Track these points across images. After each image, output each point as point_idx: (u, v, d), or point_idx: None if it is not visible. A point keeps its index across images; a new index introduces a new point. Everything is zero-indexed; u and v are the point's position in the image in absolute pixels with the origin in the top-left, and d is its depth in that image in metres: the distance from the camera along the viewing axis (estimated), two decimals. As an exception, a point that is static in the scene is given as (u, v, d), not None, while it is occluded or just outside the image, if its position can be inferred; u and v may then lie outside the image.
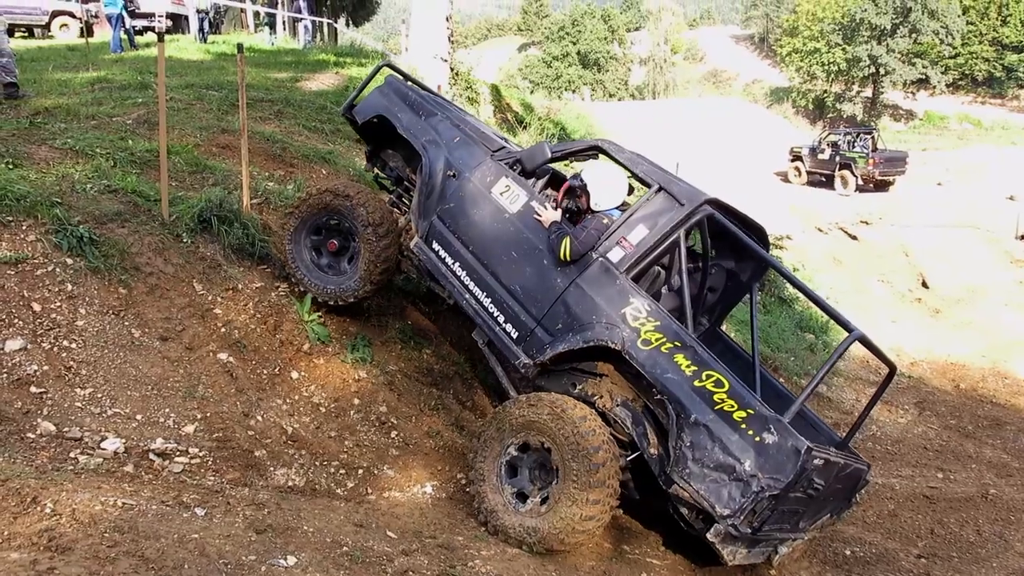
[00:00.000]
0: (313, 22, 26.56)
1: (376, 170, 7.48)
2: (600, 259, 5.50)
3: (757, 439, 4.78)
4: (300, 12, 24.60)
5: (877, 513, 7.71)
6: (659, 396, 5.13)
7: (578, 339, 5.40)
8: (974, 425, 10.99)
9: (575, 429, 5.07)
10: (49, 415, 4.99)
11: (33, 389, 5.09)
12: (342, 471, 5.66)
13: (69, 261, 5.93)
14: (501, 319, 5.81)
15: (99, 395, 5.29)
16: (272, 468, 5.38)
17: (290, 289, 6.89)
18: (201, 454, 5.17)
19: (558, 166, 6.53)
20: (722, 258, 6.48)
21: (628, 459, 5.40)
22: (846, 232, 23.29)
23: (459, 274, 6.04)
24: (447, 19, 14.30)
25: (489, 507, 5.32)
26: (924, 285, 18.55)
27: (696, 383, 5.00)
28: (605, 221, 5.64)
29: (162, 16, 27.96)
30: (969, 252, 20.40)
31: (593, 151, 6.22)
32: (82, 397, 5.22)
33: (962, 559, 6.94)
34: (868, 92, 65.83)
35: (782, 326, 13.12)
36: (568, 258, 5.49)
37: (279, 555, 4.00)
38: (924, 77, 62.77)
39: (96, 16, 23.56)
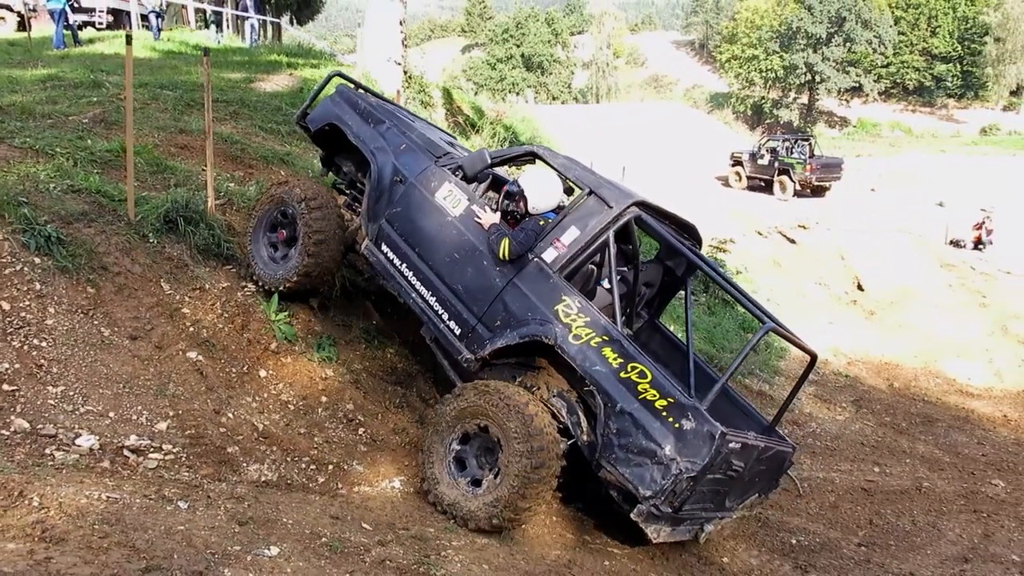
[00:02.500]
0: (259, 20, 26.39)
1: (332, 175, 7.70)
2: (535, 259, 5.80)
3: (676, 425, 5.10)
4: (247, 11, 24.44)
5: (819, 505, 8.09)
6: (589, 387, 5.43)
7: (515, 335, 5.72)
8: (907, 422, 11.45)
9: (501, 395, 5.45)
10: (23, 412, 5.04)
11: (5, 387, 5.14)
12: (313, 467, 5.79)
13: (37, 260, 5.97)
14: (445, 317, 6.10)
15: (71, 393, 5.34)
16: (245, 464, 5.50)
17: (256, 289, 6.99)
18: (175, 450, 5.26)
19: (500, 171, 6.79)
20: (658, 255, 6.88)
21: (565, 445, 5.60)
22: (785, 236, 23.83)
23: (406, 274, 6.34)
24: (400, 23, 14.41)
25: (451, 502, 5.54)
26: (859, 288, 19.11)
27: (622, 375, 5.32)
28: (541, 223, 5.94)
29: (103, 11, 27.61)
30: (901, 256, 21.04)
31: (529, 157, 6.50)
32: (54, 395, 5.27)
33: (899, 547, 7.33)
34: (804, 99, 67.58)
35: (726, 327, 13.52)
36: (507, 257, 5.78)
37: (262, 546, 4.15)
38: (858, 85, 64.68)
39: (34, 10, 23.08)
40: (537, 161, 6.44)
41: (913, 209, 27.67)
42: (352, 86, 7.61)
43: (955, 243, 23.24)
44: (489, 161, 6.31)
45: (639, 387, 5.25)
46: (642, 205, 5.92)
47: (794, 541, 7.12)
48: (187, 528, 4.07)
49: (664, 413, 5.16)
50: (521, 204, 6.14)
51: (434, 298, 6.16)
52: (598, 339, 5.45)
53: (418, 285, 6.26)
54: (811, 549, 7.05)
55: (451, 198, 6.25)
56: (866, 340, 15.97)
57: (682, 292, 7.01)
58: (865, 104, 67.95)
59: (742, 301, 6.01)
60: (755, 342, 5.43)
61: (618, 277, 5.94)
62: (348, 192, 7.45)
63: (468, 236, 6.08)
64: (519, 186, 6.15)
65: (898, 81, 67.62)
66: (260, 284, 6.97)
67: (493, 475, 5.51)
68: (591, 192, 5.86)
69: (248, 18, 24.34)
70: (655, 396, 5.20)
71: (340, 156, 7.52)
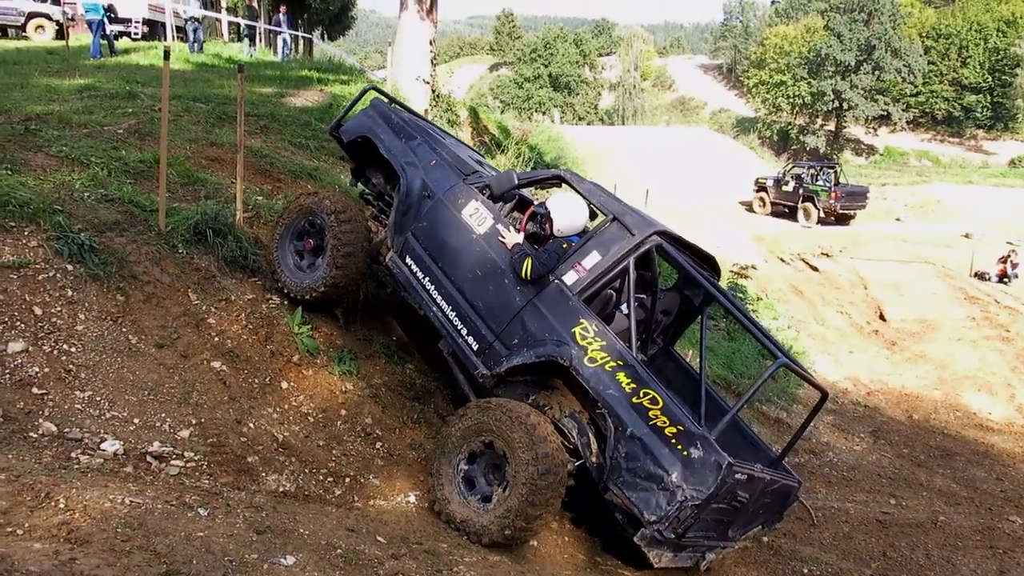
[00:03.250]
0: (291, 35, 26.75)
1: (361, 186, 7.86)
2: (556, 281, 5.89)
3: (684, 453, 5.18)
4: (279, 26, 24.81)
5: (833, 535, 8.08)
6: (601, 410, 5.51)
7: (531, 354, 5.81)
8: (926, 455, 11.39)
9: (504, 409, 5.57)
10: (50, 416, 5.16)
11: (35, 390, 5.27)
12: (330, 479, 5.88)
13: (69, 267, 6.11)
14: (464, 331, 6.21)
15: (98, 398, 5.47)
16: (264, 473, 5.59)
17: (280, 301, 7.12)
18: (196, 458, 5.37)
19: (526, 192, 6.94)
20: (676, 284, 6.98)
21: (574, 466, 5.70)
22: (807, 263, 23.82)
23: (428, 288, 6.45)
24: (430, 42, 14.60)
25: (463, 519, 5.60)
26: (881, 317, 19.03)
27: (634, 399, 5.40)
28: (564, 246, 6.04)
29: (139, 22, 28.11)
30: (924, 287, 20.97)
31: (556, 180, 6.64)
32: (81, 399, 5.40)
33: (911, 579, 7.33)
34: (831, 126, 67.41)
35: (745, 352, 13.52)
36: (529, 276, 5.88)
37: (279, 554, 4.23)
38: (886, 113, 64.40)
39: (72, 19, 23.55)
40: (563, 185, 6.55)
41: (939, 239, 27.52)
42: (387, 101, 7.78)
43: (980, 275, 23.09)
44: (517, 182, 6.43)
45: (650, 413, 5.33)
46: (663, 234, 6.04)
47: (806, 571, 7.12)
48: (206, 534, 4.16)
49: (673, 440, 5.23)
50: (547, 226, 6.25)
51: (454, 313, 6.27)
52: (612, 363, 5.53)
53: (439, 299, 6.36)
54: (822, 579, 7.06)
55: (477, 216, 6.37)
56: (886, 371, 15.92)
57: (699, 321, 7.04)
58: (893, 133, 67.70)
59: (756, 334, 6.02)
60: (766, 377, 5.47)
61: (636, 304, 6.00)
62: (375, 204, 7.59)
63: (491, 254, 6.19)
64: (546, 208, 6.28)
65: (927, 111, 67.36)
66: (286, 292, 7.07)
67: (502, 489, 5.57)
68: (614, 219, 5.97)
69: (280, 33, 24.71)
70: (665, 423, 5.28)
71: (370, 169, 7.66)
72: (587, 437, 5.71)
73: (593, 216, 6.51)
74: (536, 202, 6.64)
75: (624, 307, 6.17)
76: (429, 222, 6.56)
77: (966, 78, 65.28)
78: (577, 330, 5.69)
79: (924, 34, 66.11)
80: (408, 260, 6.62)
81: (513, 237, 6.14)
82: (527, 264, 5.87)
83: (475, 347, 6.13)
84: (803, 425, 6.46)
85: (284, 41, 24.83)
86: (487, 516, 5.52)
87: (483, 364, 6.06)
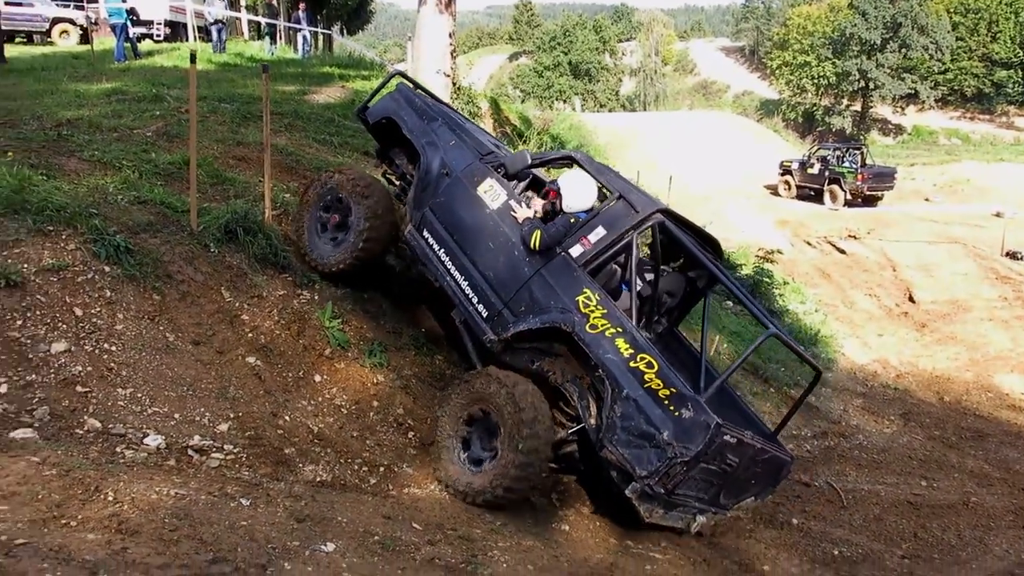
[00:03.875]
0: (311, 32, 26.93)
1: (385, 166, 8.23)
2: (563, 254, 6.24)
3: (676, 413, 5.49)
4: (299, 23, 24.99)
5: (863, 517, 8.12)
6: (599, 373, 5.82)
7: (536, 320, 6.18)
8: (957, 436, 11.35)
9: (490, 375, 6.09)
10: (95, 413, 5.33)
11: (79, 388, 5.43)
12: (365, 468, 6.03)
13: (107, 269, 6.27)
14: (475, 300, 6.60)
15: (139, 395, 5.63)
16: (301, 464, 5.74)
17: (311, 297, 7.27)
18: (235, 451, 5.52)
19: (540, 174, 7.27)
20: (680, 266, 7.26)
21: (573, 431, 6.17)
22: (834, 246, 23.67)
23: (443, 259, 6.85)
24: (450, 35, 14.67)
25: (458, 481, 6.02)
26: (911, 299, 18.89)
27: (631, 364, 5.71)
28: (572, 221, 6.34)
29: (160, 24, 28.42)
30: (955, 267, 20.76)
31: (567, 161, 6.97)
32: (123, 396, 5.56)
33: (943, 561, 7.35)
34: (857, 106, 66.58)
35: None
36: (537, 247, 6.25)
37: (319, 541, 4.37)
38: (913, 92, 63.40)
39: (96, 24, 23.88)
40: (574, 165, 6.81)
41: (969, 219, 27.22)
42: (412, 86, 8.13)
43: (1011, 255, 22.78)
44: (529, 161, 6.81)
45: (645, 376, 5.65)
46: (666, 212, 6.37)
47: (836, 552, 7.17)
48: (249, 524, 4.31)
49: (666, 402, 5.55)
50: (557, 202, 6.57)
51: (466, 282, 6.66)
52: (612, 330, 5.84)
53: (453, 270, 6.76)
54: (853, 560, 7.10)
55: (491, 192, 6.73)
56: (916, 353, 15.82)
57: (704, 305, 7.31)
58: (921, 111, 66.75)
59: (750, 306, 6.32)
60: (756, 346, 5.91)
61: (639, 280, 6.40)
62: (397, 184, 7.99)
63: (503, 228, 6.55)
64: (557, 185, 6.61)
65: (956, 88, 66.31)
66: (312, 266, 7.44)
67: (494, 453, 5.97)
68: (620, 196, 6.31)
69: (300, 30, 24.89)
70: (659, 385, 5.60)
71: (393, 150, 8.05)
72: (587, 401, 6.02)
73: (602, 197, 6.76)
74: (549, 181, 6.99)
75: (626, 283, 6.48)
76: (446, 198, 6.93)
77: (996, 53, 64.13)
78: (580, 299, 6.01)
79: (952, 9, 65.00)
80: (425, 233, 6.99)
81: (524, 212, 6.51)
82: (536, 235, 6.23)
83: (485, 314, 6.51)
84: (797, 402, 6.78)
85: (304, 38, 25.02)
86: (480, 479, 5.91)
87: (491, 330, 6.44)
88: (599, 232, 6.20)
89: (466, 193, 6.83)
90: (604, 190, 6.62)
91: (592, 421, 5.93)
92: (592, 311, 5.92)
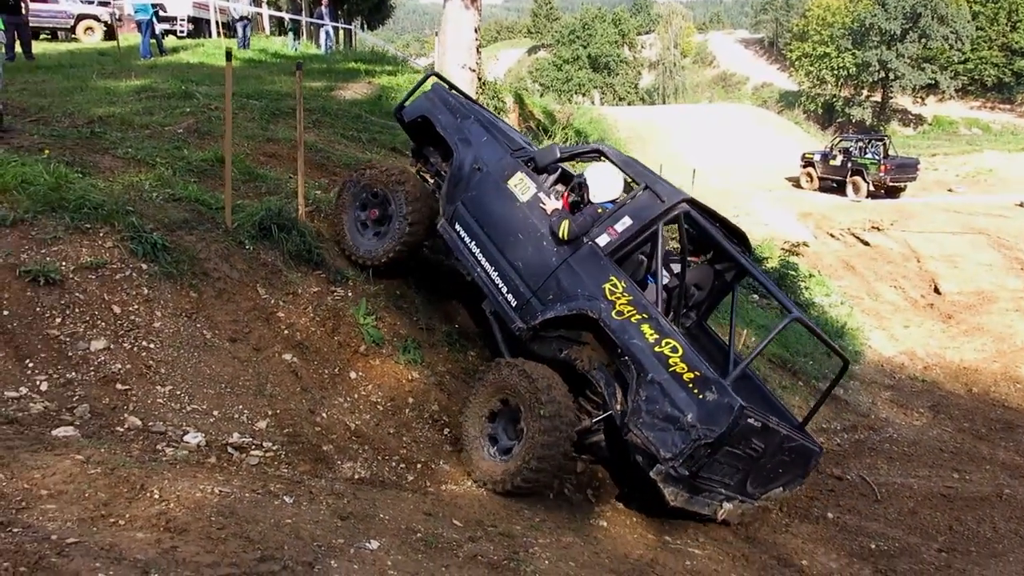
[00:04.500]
0: (334, 28, 26.97)
1: (420, 164, 8.36)
2: (590, 243, 6.36)
3: (700, 396, 5.56)
4: (322, 19, 25.04)
5: (898, 510, 8.07)
6: (625, 358, 5.92)
7: (564, 308, 6.30)
8: (987, 428, 11.27)
9: (509, 365, 6.24)
10: (135, 410, 5.38)
11: (119, 386, 5.49)
12: (402, 465, 6.05)
13: (144, 266, 6.32)
14: (504, 290, 6.75)
15: (178, 392, 5.67)
16: (339, 461, 5.77)
17: (345, 294, 7.30)
18: (274, 448, 5.55)
19: (567, 166, 7.46)
20: (709, 259, 7.35)
21: (599, 419, 6.27)
22: (858, 238, 23.46)
23: (474, 251, 7.00)
24: (475, 30, 14.67)
25: (482, 469, 6.16)
26: (936, 291, 18.71)
27: (656, 348, 5.81)
28: (599, 211, 6.49)
29: (183, 20, 28.58)
30: (980, 258, 20.56)
31: (595, 154, 7.14)
32: (163, 394, 5.61)
33: (980, 553, 7.29)
34: (877, 97, 65.97)
35: (799, 330, 13.43)
36: (566, 237, 6.36)
37: (363, 539, 4.39)
38: (933, 82, 62.73)
39: (120, 20, 24.04)
40: (602, 158, 7.00)
41: (992, 209, 26.93)
42: (446, 86, 8.33)
43: (1037, 244, 22.56)
44: (558, 155, 7.03)
45: (670, 360, 5.73)
46: (692, 203, 6.47)
47: (873, 546, 7.13)
48: (294, 521, 4.33)
49: (690, 385, 5.63)
50: (584, 193, 6.73)
51: (496, 273, 6.81)
52: (638, 316, 5.95)
53: (483, 261, 6.91)
54: (891, 554, 7.06)
55: (521, 185, 6.87)
56: (943, 344, 15.69)
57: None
58: (941, 102, 66.04)
59: (775, 293, 6.43)
60: (779, 330, 6.12)
61: (666, 277, 6.60)
62: (431, 180, 8.11)
63: (532, 219, 6.69)
64: (584, 177, 6.76)
65: (976, 78, 65.56)
66: (355, 259, 7.65)
67: (518, 441, 6.08)
68: (646, 187, 6.43)
69: (323, 25, 24.93)
70: (684, 369, 5.68)
71: (427, 148, 8.23)
72: (613, 388, 6.10)
73: (627, 189, 6.89)
74: (576, 175, 7.11)
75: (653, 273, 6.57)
76: (478, 192, 7.09)
77: (1016, 42, 63.35)
78: (607, 286, 6.14)
79: (971, -1, 64.40)
80: (457, 226, 7.15)
81: (553, 203, 6.65)
82: (564, 225, 6.35)
83: (514, 303, 6.65)
84: (825, 392, 6.88)
85: (327, 34, 25.05)
86: (512, 464, 6.02)
87: (520, 318, 6.59)
88: (626, 221, 6.32)
89: (497, 187, 6.98)
90: (631, 182, 6.76)
91: (618, 407, 6.02)
92: (619, 298, 6.04)
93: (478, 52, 14.98)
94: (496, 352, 7.16)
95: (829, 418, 10.76)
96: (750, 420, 5.57)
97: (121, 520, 3.89)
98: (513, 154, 7.17)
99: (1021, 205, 27.64)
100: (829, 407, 10.88)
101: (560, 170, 7.35)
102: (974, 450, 10.33)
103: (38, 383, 5.31)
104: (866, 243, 23.02)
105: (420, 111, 7.89)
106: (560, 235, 6.36)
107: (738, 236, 7.11)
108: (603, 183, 6.66)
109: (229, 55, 6.99)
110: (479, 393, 6.36)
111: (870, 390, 12.45)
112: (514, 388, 6.08)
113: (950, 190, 32.98)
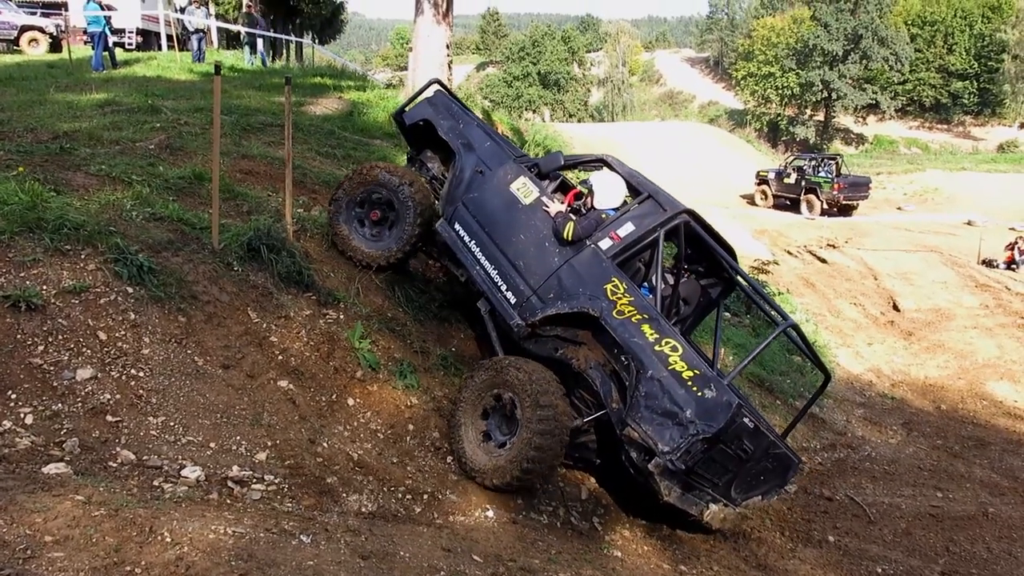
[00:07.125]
0: (275, 39, 26.45)
1: (415, 168, 8.46)
2: (592, 246, 6.55)
3: (699, 393, 5.78)
4: (257, 28, 24.40)
5: (892, 531, 8.05)
6: (625, 356, 6.09)
7: (565, 305, 6.46)
8: (960, 445, 11.36)
9: (503, 362, 6.39)
10: (127, 444, 5.05)
11: (109, 418, 5.15)
12: (409, 496, 5.78)
13: (130, 290, 5.98)
14: (504, 287, 6.89)
15: (172, 423, 5.36)
16: (344, 494, 5.48)
17: (337, 316, 7.03)
18: (276, 481, 5.26)
19: (568, 175, 7.62)
20: (697, 275, 7.53)
21: (591, 419, 6.40)
22: (815, 255, 23.80)
23: (474, 250, 7.16)
24: (447, 46, 14.52)
25: (476, 464, 6.24)
26: (895, 308, 19.00)
27: (656, 347, 6.01)
28: (603, 217, 6.68)
29: (132, 32, 27.91)
30: (933, 275, 20.96)
31: (599, 162, 7.33)
32: (156, 425, 5.28)
33: (981, 575, 7.28)
34: (820, 116, 67.40)
35: (773, 348, 13.47)
36: (570, 238, 6.54)
37: (389, 580, 4.15)
38: (874, 102, 64.41)
39: (65, 31, 23.34)
40: (605, 167, 7.17)
41: (942, 227, 27.57)
42: (447, 93, 8.54)
43: (988, 263, 23.11)
44: (563, 162, 7.25)
45: (670, 359, 5.92)
46: (691, 214, 6.72)
47: (879, 570, 7.08)
48: (316, 563, 4.07)
49: (690, 383, 5.83)
50: (589, 199, 6.93)
51: (496, 271, 6.95)
52: (639, 316, 6.15)
53: (483, 259, 7.06)
54: (895, 578, 7.02)
55: (524, 189, 7.08)
56: (907, 361, 15.87)
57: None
58: (881, 121, 67.78)
59: (763, 307, 6.75)
60: (772, 339, 6.30)
61: (662, 277, 6.74)
62: (427, 183, 8.11)
63: (535, 221, 6.88)
64: (589, 183, 6.97)
65: (914, 98, 67.52)
66: (358, 261, 7.74)
67: (512, 437, 6.17)
68: (649, 196, 6.71)
69: (259, 36, 24.31)
70: (683, 367, 5.88)
71: (424, 154, 8.47)
72: (609, 386, 6.23)
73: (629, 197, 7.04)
74: (580, 181, 7.30)
75: (651, 281, 6.78)
76: (480, 193, 7.28)
77: (952, 65, 65.47)
78: (608, 287, 6.33)
79: (910, 22, 66.20)
80: (457, 226, 7.32)
81: (557, 206, 6.86)
82: (569, 227, 6.54)
83: (513, 301, 6.79)
84: (806, 405, 7.27)
85: (262, 44, 24.44)
86: (496, 460, 6.13)
87: (519, 315, 6.71)
88: (628, 228, 6.54)
89: (500, 189, 7.17)
90: (633, 191, 6.94)
91: (614, 405, 6.13)
92: (620, 298, 6.23)
93: (450, 68, 14.82)
94: (490, 353, 7.19)
95: (808, 436, 10.76)
96: (745, 419, 5.84)
97: (137, 568, 3.63)
98: (516, 159, 7.41)
99: (969, 223, 28.37)
100: (807, 425, 10.89)
101: (560, 178, 7.54)
102: (951, 468, 10.39)
103: (22, 416, 4.96)
104: (823, 260, 23.34)
105: (422, 115, 8.10)
106: (564, 236, 6.53)
107: (729, 251, 7.22)
108: (608, 190, 6.84)
109: (218, 69, 6.70)
110: (472, 389, 6.45)
111: (843, 408, 12.49)
112: (510, 382, 6.16)
113: (899, 208, 33.77)
